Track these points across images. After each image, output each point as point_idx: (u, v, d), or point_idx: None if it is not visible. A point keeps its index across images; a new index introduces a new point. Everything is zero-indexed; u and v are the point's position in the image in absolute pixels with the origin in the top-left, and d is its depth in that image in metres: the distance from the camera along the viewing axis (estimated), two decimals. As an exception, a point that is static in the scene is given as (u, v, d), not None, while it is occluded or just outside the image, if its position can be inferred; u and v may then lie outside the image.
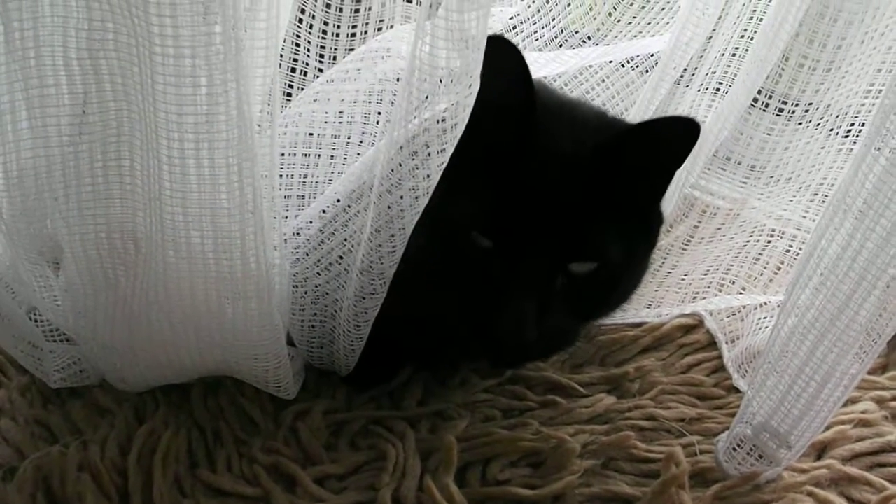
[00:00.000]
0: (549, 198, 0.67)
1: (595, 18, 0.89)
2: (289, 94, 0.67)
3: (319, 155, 0.74)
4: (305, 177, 0.74)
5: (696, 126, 0.67)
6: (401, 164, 0.63)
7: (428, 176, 0.62)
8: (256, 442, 0.76)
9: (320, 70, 0.66)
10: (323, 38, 0.64)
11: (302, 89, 0.67)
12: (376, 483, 0.73)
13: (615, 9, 0.88)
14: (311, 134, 0.74)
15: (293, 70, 0.66)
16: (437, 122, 0.59)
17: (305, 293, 0.77)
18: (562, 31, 0.95)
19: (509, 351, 0.74)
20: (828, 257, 0.66)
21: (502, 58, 0.63)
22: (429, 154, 0.61)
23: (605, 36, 0.89)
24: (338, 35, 0.65)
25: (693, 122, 0.67)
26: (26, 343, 0.79)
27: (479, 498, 0.72)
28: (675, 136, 0.68)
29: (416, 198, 0.63)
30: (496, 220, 0.67)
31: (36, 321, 0.79)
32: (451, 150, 0.61)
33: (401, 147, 0.62)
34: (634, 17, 0.88)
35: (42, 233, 0.67)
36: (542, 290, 0.68)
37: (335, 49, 0.65)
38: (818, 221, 0.68)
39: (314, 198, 0.74)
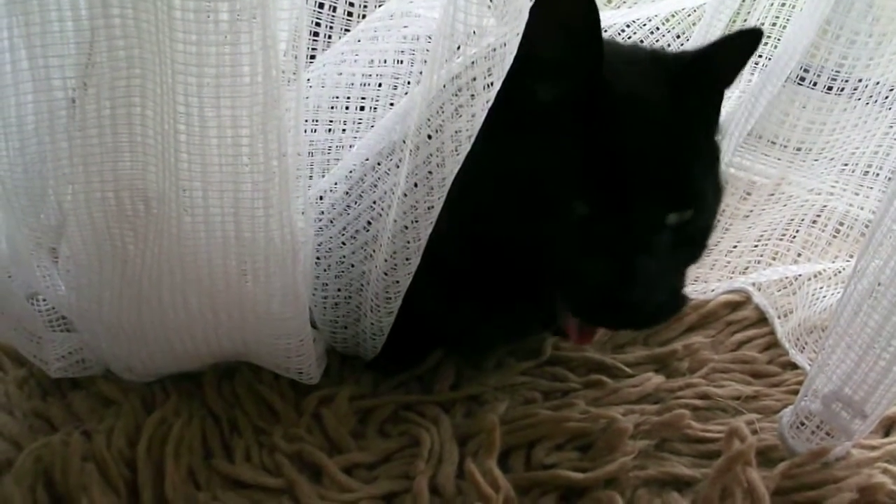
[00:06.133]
0: (640, 148, 0.62)
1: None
2: (315, 35, 0.61)
3: (345, 118, 0.69)
4: (330, 140, 0.68)
5: (760, 32, 0.67)
6: (442, 106, 0.57)
7: (473, 115, 0.56)
8: (277, 430, 0.70)
9: (351, 4, 0.60)
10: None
11: (331, 27, 0.61)
12: (410, 471, 0.67)
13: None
14: (336, 96, 0.69)
15: (321, 5, 0.60)
16: (491, 50, 0.54)
17: (329, 266, 0.71)
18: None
19: (644, 316, 0.67)
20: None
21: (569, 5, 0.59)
22: (473, 94, 0.56)
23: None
24: (369, -39, 0.60)
25: (758, 30, 0.68)
26: (24, 331, 0.72)
27: (524, 484, 0.66)
28: (740, 47, 0.67)
29: (459, 144, 0.57)
30: (594, 183, 0.62)
31: (37, 308, 0.72)
32: (498, 84, 0.55)
33: (444, 86, 0.56)
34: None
35: (42, 197, 0.61)
36: (654, 247, 0.63)
37: (367, -21, 0.60)
38: (891, 186, 0.63)
39: (339, 161, 0.68)
